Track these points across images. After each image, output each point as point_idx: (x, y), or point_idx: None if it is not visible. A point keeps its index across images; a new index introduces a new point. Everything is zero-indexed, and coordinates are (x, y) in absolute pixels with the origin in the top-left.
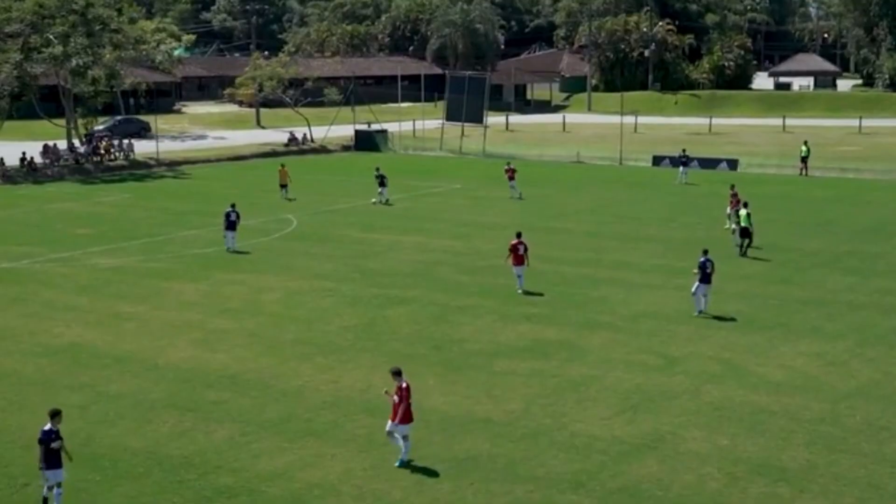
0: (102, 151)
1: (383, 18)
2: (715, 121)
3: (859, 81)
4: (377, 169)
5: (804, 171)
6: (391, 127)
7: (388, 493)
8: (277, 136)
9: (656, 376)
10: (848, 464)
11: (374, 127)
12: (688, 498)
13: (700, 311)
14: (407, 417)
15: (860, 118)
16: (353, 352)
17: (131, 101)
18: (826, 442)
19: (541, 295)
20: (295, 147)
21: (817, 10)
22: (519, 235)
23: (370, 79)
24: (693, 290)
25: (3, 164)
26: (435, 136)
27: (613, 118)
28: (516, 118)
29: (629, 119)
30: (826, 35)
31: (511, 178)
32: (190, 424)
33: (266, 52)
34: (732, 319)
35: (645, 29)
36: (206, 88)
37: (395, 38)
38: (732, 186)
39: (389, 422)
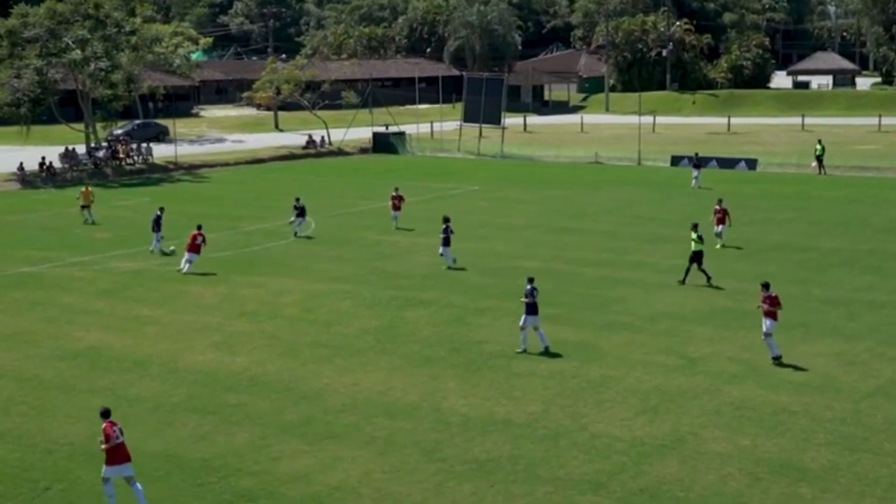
0: (121, 155)
1: (400, 20)
2: (733, 120)
3: (878, 79)
4: (297, 199)
5: (822, 171)
6: (409, 129)
7: (407, 496)
8: (295, 139)
9: (676, 377)
10: (870, 463)
11: (392, 129)
12: (709, 499)
13: (525, 349)
14: (118, 457)
15: (880, 116)
16: (373, 354)
17: (150, 105)
18: (847, 442)
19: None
20: (313, 150)
21: (836, 8)
22: (199, 228)
23: (387, 81)
24: (521, 323)
25: (23, 169)
26: (453, 138)
27: (631, 118)
28: (534, 119)
29: (647, 119)
30: (845, 33)
31: (396, 208)
32: (210, 427)
33: (283, 56)
34: (752, 319)
35: (662, 29)
36: (225, 92)
37: (412, 39)
38: (720, 201)
39: (105, 466)
